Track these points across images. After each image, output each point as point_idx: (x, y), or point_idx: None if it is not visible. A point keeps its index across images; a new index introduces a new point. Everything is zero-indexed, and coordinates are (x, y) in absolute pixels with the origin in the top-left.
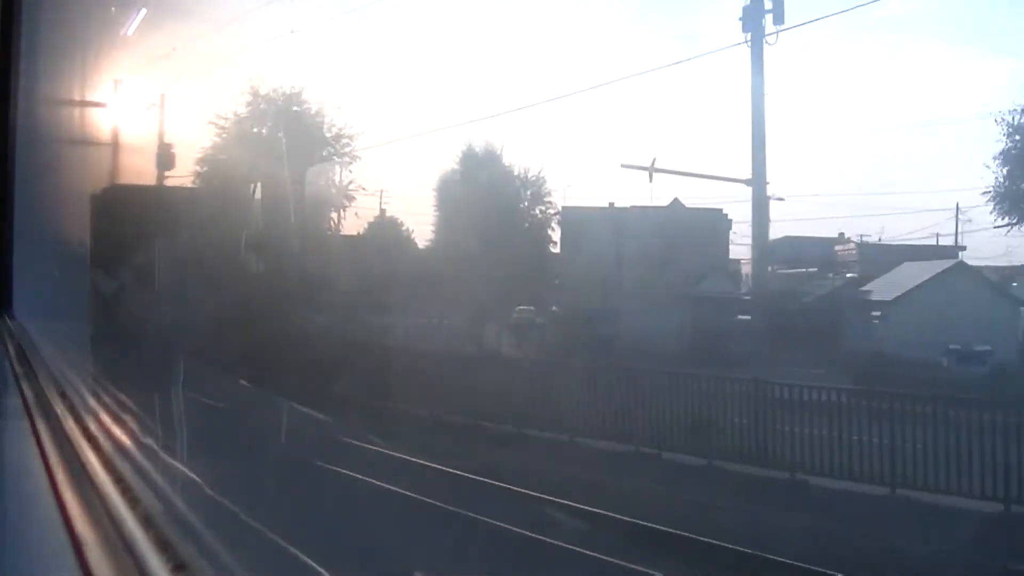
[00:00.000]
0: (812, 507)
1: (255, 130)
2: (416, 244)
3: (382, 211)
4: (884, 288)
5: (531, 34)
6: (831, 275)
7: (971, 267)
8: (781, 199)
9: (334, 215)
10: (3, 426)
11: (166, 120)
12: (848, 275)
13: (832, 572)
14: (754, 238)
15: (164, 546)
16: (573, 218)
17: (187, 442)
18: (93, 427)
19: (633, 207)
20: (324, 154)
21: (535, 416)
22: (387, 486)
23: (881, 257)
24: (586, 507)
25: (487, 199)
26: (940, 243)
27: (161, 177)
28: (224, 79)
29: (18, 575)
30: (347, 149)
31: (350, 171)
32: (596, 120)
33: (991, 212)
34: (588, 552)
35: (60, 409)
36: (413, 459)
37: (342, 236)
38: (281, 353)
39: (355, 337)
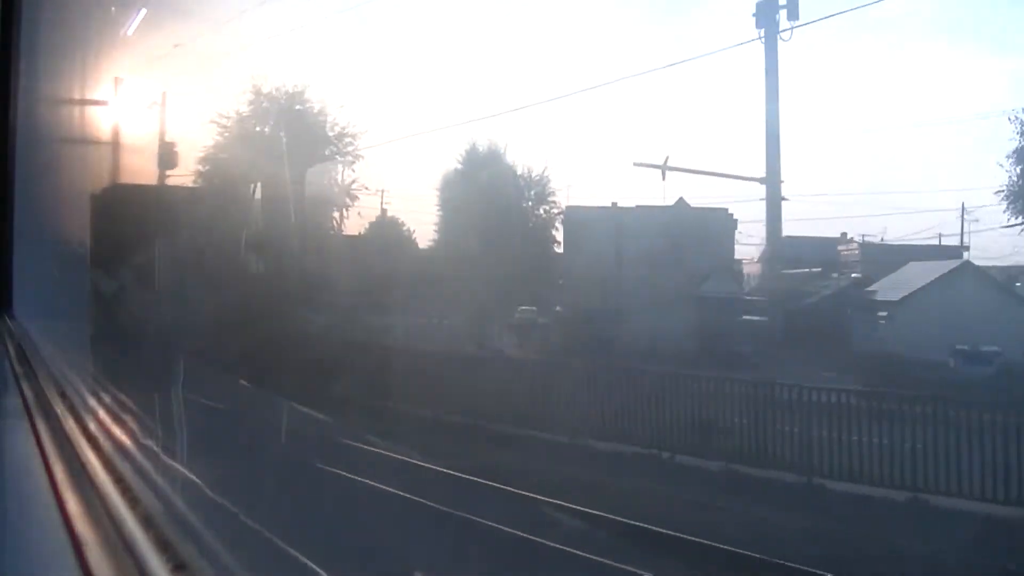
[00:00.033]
0: (815, 509)
1: (257, 129)
2: (417, 244)
3: (383, 211)
4: (890, 288)
5: (534, 32)
6: (835, 275)
7: (978, 267)
8: (785, 199)
9: (336, 215)
10: (3, 426)
11: (168, 119)
12: (853, 275)
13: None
14: (768, 236)
15: (164, 546)
16: (577, 218)
17: (187, 442)
18: (93, 427)
19: (638, 206)
20: (326, 153)
21: (535, 416)
22: (387, 488)
23: (884, 257)
24: (585, 508)
25: (490, 198)
26: (943, 243)
27: (163, 176)
28: (226, 78)
29: (18, 575)
30: (350, 148)
31: (353, 170)
32: (599, 119)
33: (1004, 211)
34: (586, 554)
35: (60, 409)
36: (413, 460)
37: (344, 236)
38: (281, 353)
39: (355, 337)
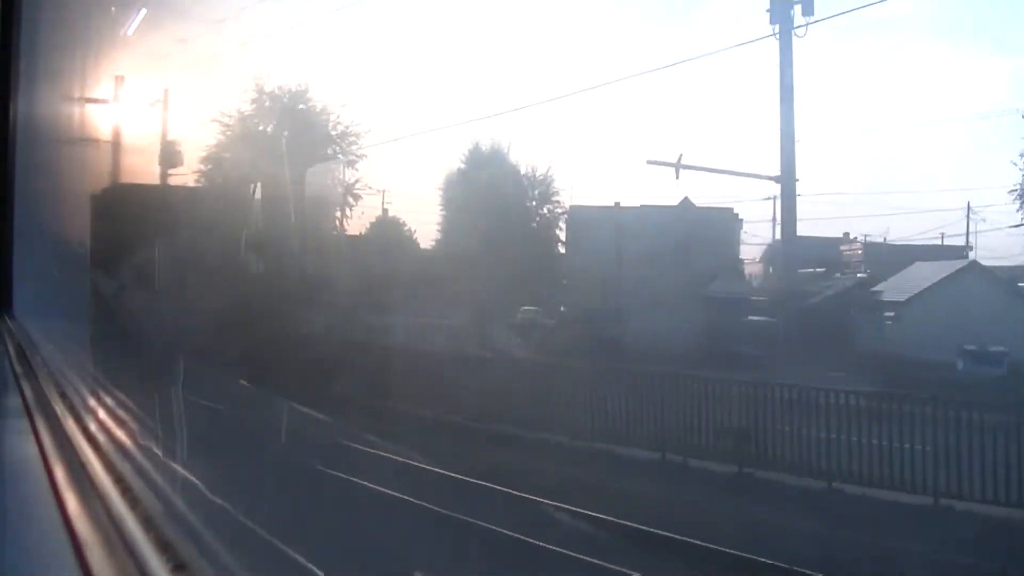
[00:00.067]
0: (819, 511)
1: (260, 128)
2: (418, 244)
3: (384, 211)
4: (896, 288)
5: (538, 30)
6: (838, 275)
7: (984, 267)
8: (800, 195)
9: (338, 214)
10: (3, 426)
11: (170, 118)
12: (859, 275)
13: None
14: (784, 235)
15: (164, 546)
16: (581, 217)
17: (187, 442)
18: (93, 427)
19: (643, 206)
20: (329, 152)
21: (536, 417)
22: (386, 490)
23: (887, 257)
24: (586, 510)
25: (493, 198)
26: (945, 243)
27: (166, 175)
28: (229, 76)
29: (18, 575)
30: (353, 147)
31: (356, 169)
32: (604, 118)
33: (1018, 210)
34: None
35: (60, 409)
36: (412, 462)
37: (345, 236)
38: (281, 353)
39: (356, 337)
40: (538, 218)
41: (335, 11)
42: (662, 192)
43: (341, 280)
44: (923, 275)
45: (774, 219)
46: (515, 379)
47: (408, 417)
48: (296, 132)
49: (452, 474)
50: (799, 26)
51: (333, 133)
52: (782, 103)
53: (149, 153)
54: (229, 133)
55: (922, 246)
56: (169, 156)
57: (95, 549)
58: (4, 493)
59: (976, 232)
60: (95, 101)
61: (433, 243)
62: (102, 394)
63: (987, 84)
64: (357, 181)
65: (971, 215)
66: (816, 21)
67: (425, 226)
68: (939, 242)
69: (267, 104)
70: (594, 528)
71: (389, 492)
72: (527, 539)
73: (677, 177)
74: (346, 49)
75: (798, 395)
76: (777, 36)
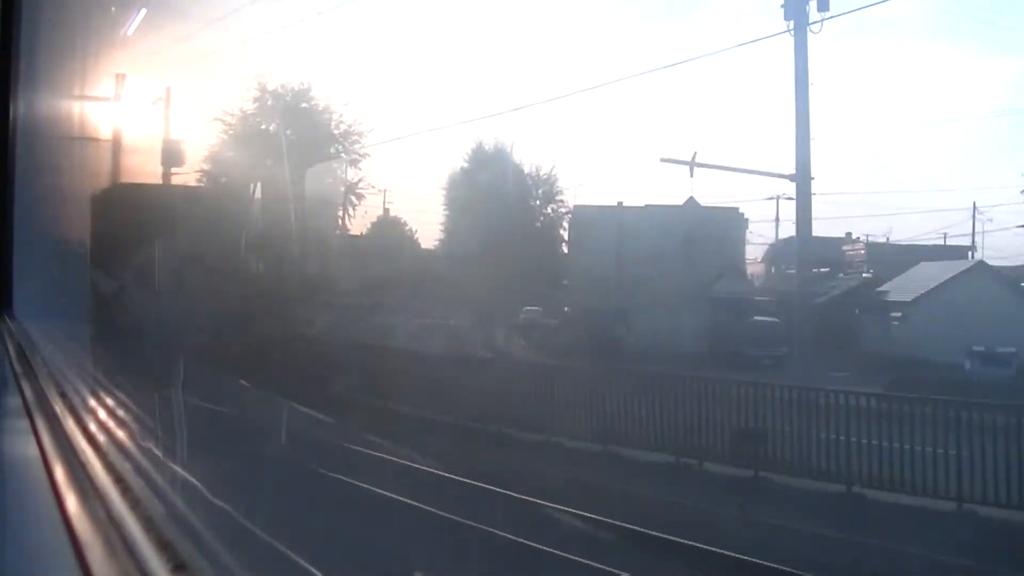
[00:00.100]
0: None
1: (262, 127)
2: (419, 244)
3: (386, 211)
4: (902, 289)
5: (542, 29)
6: (841, 275)
7: (991, 267)
8: (791, 198)
9: (340, 213)
10: (3, 426)
11: (171, 116)
12: (864, 275)
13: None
14: (798, 233)
15: (164, 546)
16: (584, 217)
17: (187, 443)
18: (93, 427)
19: (647, 206)
20: (331, 151)
21: (537, 418)
22: (385, 492)
23: (890, 257)
24: (586, 512)
25: (497, 197)
26: (948, 243)
27: (168, 174)
28: (229, 75)
29: (18, 575)
30: (355, 146)
31: (359, 169)
32: (609, 117)
33: None
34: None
35: (60, 409)
36: (412, 463)
37: (347, 236)
38: (281, 353)
39: (356, 337)
40: (542, 218)
41: (335, 8)
42: (665, 191)
43: (342, 280)
44: (929, 275)
45: (776, 218)
46: (514, 380)
47: (408, 418)
48: (299, 131)
49: (452, 476)
50: (814, 22)
51: (336, 132)
52: (797, 101)
53: (151, 152)
54: (232, 132)
55: (926, 246)
56: (171, 155)
57: (95, 549)
58: (4, 493)
59: (983, 232)
60: (96, 99)
61: (436, 243)
62: (102, 394)
63: (987, 84)
64: (359, 180)
65: (977, 215)
66: (831, 17)
67: (427, 226)
68: (942, 242)
69: (270, 103)
70: (596, 528)
71: (389, 493)
72: (527, 541)
73: (691, 175)
74: (349, 47)
75: (837, 399)
76: (792, 32)
